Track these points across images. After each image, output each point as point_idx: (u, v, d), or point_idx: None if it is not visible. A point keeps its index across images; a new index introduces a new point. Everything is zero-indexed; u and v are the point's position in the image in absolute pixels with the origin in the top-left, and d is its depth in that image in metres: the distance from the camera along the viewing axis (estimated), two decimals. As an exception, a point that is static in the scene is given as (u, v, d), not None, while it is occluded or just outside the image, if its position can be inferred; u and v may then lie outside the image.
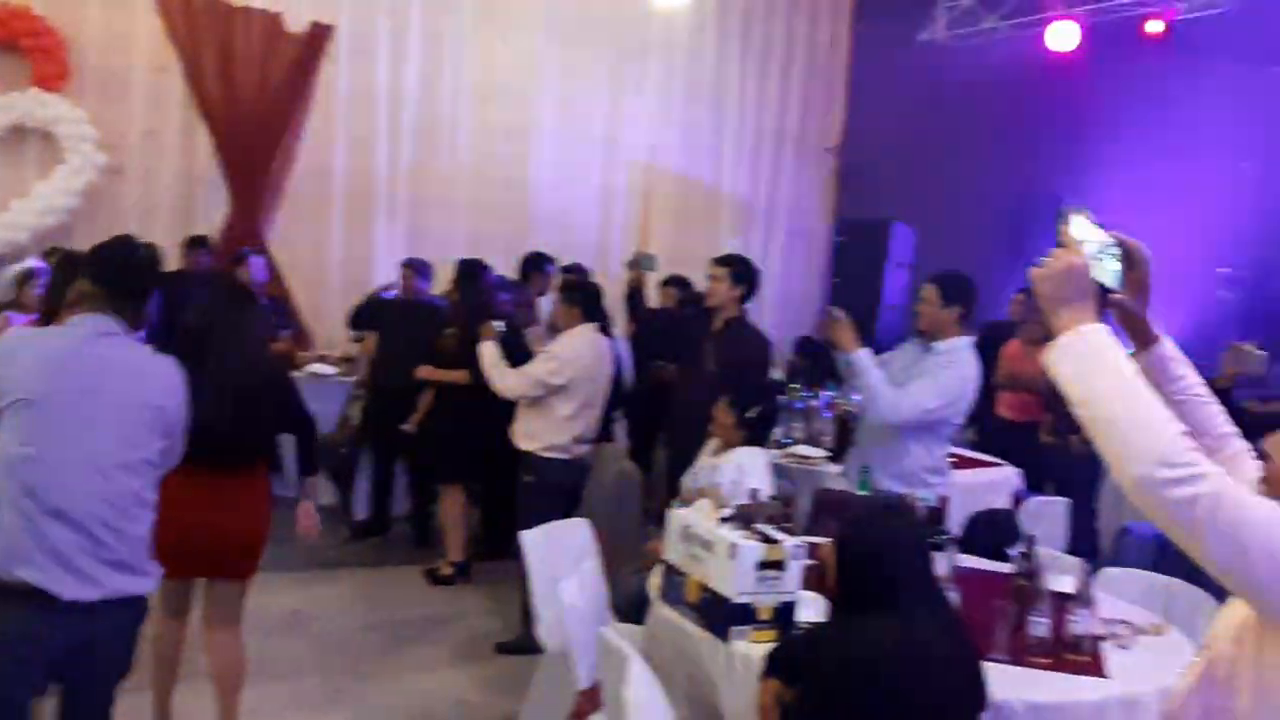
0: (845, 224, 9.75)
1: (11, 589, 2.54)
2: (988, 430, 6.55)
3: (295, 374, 6.79)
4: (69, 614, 2.57)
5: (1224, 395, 4.76)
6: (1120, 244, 1.74)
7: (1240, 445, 1.78)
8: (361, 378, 6.72)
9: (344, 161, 8.22)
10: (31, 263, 5.44)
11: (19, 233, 7.26)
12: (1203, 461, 1.40)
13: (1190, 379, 1.79)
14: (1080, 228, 1.68)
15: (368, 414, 6.44)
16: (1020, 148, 10.00)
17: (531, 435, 4.89)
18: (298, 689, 4.37)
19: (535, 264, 6.75)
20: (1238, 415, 4.54)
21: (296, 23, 7.91)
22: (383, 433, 6.31)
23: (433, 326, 5.97)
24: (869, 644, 2.45)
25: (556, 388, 4.80)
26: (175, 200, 7.77)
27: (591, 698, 3.24)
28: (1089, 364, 1.53)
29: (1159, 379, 1.75)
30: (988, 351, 6.39)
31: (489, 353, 5.02)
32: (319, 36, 7.95)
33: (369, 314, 6.62)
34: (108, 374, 2.69)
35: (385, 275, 7.67)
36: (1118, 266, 1.72)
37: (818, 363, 6.48)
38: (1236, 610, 1.54)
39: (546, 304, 6.60)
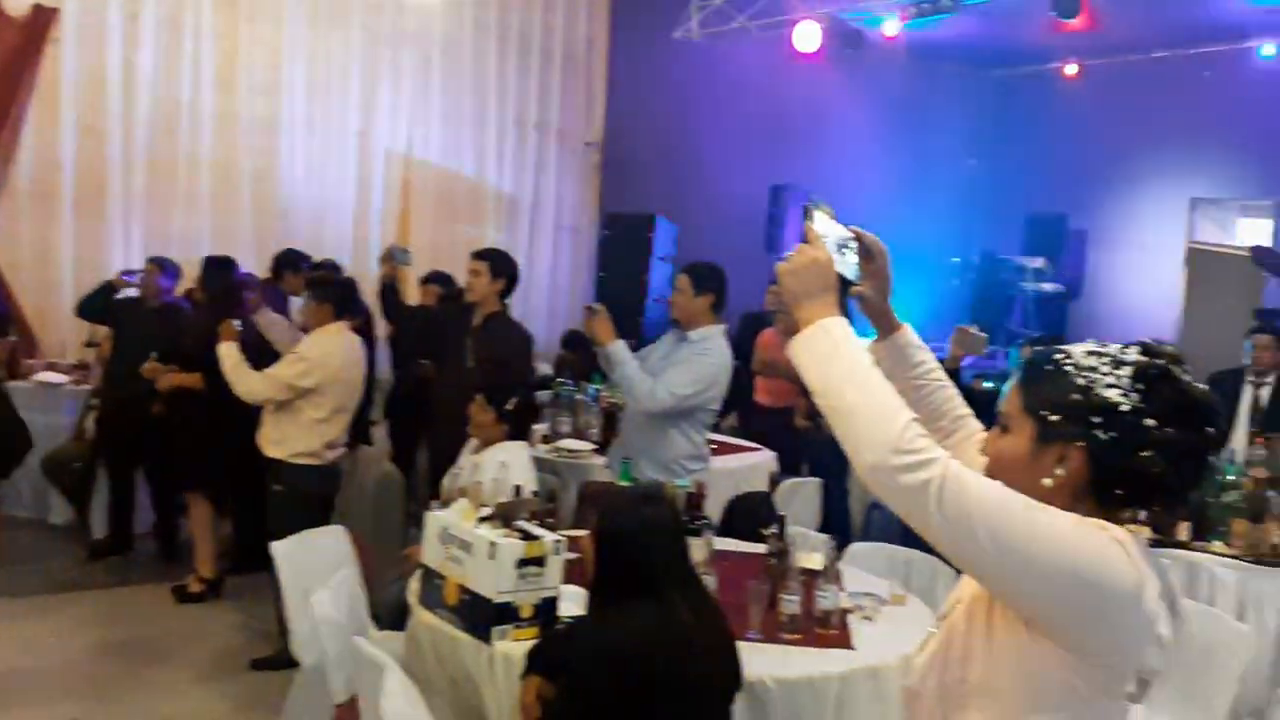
0: (609, 219, 9.85)
1: None
2: (746, 416, 6.76)
3: (18, 383, 6.24)
4: None
5: (952, 376, 5.11)
6: (858, 238, 1.80)
7: (975, 426, 1.86)
8: (95, 386, 6.23)
9: (72, 152, 7.60)
10: None
11: None
12: (932, 448, 1.46)
13: (929, 364, 1.88)
14: (822, 223, 1.73)
15: (102, 424, 5.97)
16: (771, 143, 10.39)
17: (280, 441, 4.64)
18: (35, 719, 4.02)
19: (289, 262, 6.47)
20: (965, 394, 4.87)
21: (17, 6, 7.27)
22: (119, 444, 5.88)
23: (173, 330, 5.59)
24: (626, 632, 2.46)
25: (305, 390, 4.58)
26: None
27: (350, 710, 3.12)
28: (828, 356, 1.57)
29: (900, 365, 1.82)
30: (746, 341, 6.64)
31: (230, 354, 4.73)
32: (42, 20, 7.32)
33: (102, 308, 6.08)
34: None
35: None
36: (856, 260, 1.79)
37: (584, 357, 6.51)
38: (969, 584, 1.61)
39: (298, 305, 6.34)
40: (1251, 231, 10.31)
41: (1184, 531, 4.33)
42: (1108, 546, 1.43)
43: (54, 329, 7.49)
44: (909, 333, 1.88)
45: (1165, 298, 9.88)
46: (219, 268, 5.68)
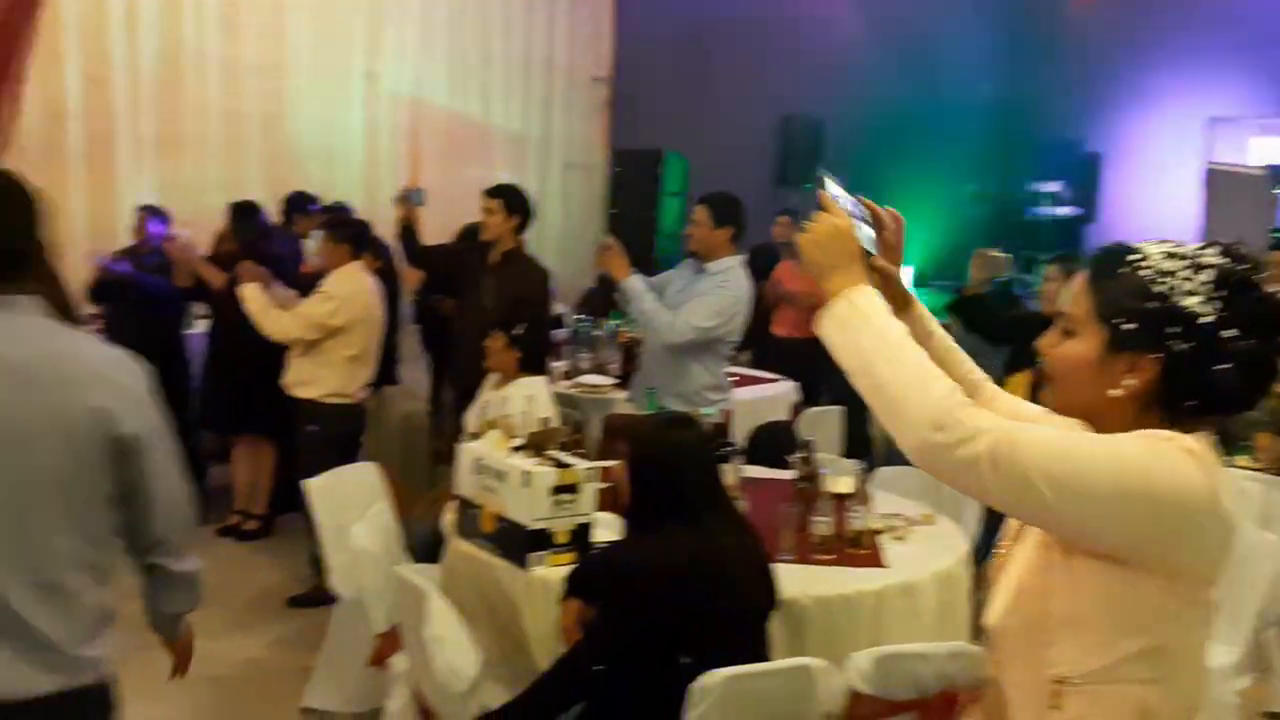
0: (618, 155, 9.79)
1: None
2: (762, 349, 6.77)
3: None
4: None
5: (979, 301, 5.12)
6: (868, 208, 1.74)
7: (992, 388, 1.80)
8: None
9: (79, 103, 7.55)
10: None
11: None
12: (975, 415, 1.39)
13: (939, 333, 1.82)
14: (835, 192, 1.66)
15: None
16: (782, 73, 10.27)
17: (310, 382, 4.68)
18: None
19: (298, 204, 6.46)
20: (999, 320, 4.83)
21: (12, -51, 7.17)
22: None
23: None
24: (663, 554, 2.50)
25: (334, 329, 4.61)
26: None
27: (391, 640, 3.18)
28: (857, 329, 1.50)
29: (916, 338, 1.78)
30: (758, 273, 6.63)
31: (254, 296, 4.75)
32: (39, -35, 7.23)
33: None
34: None
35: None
36: (871, 232, 1.72)
37: (602, 292, 6.52)
38: None
39: (311, 246, 6.35)
40: (1267, 149, 10.20)
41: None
42: (1179, 459, 1.36)
43: (71, 280, 7.50)
44: (919, 305, 1.82)
45: (1182, 219, 9.80)
46: (246, 213, 5.68)
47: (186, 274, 5.46)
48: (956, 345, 1.84)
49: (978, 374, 1.82)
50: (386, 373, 5.78)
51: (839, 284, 1.54)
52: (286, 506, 5.65)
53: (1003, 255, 4.82)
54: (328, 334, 4.61)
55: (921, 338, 1.71)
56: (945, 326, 1.86)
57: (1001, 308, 5.12)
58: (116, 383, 1.89)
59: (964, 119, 11.27)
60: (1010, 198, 11.47)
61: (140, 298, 5.66)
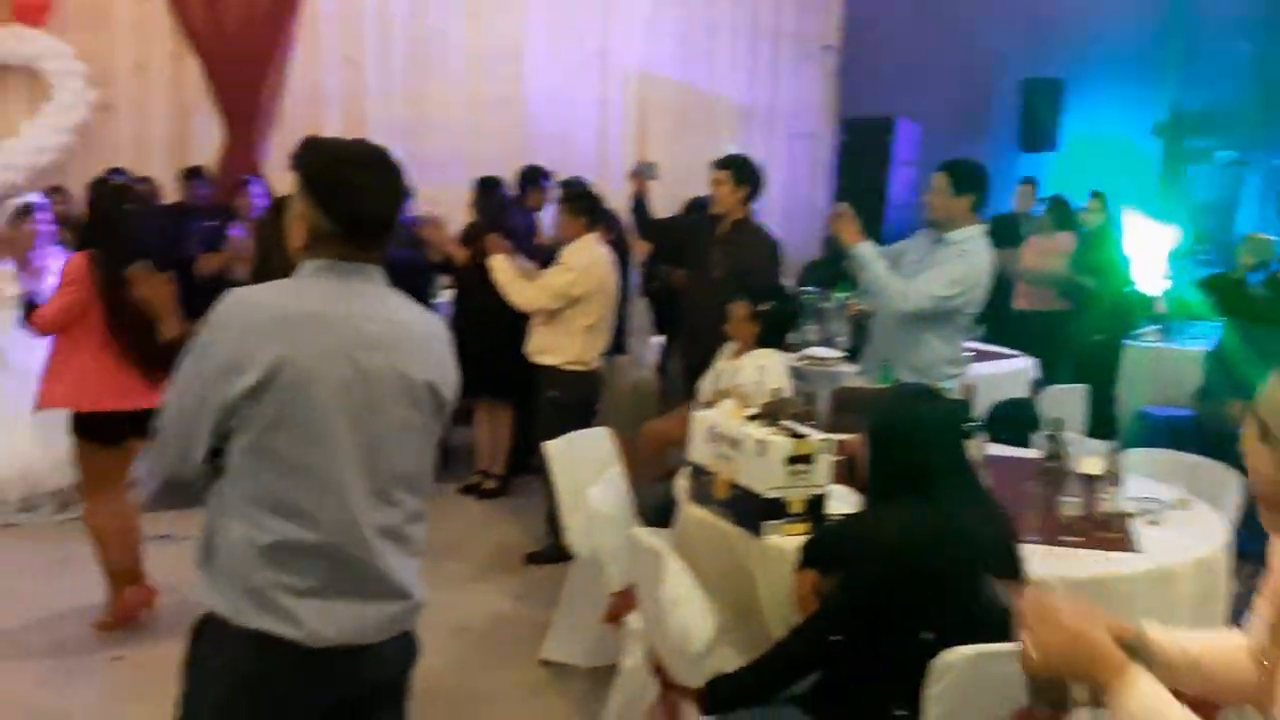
0: (847, 124, 9.60)
1: None
2: (1002, 323, 6.53)
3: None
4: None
5: (1238, 284, 4.81)
6: None
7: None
8: None
9: (336, 84, 8.09)
10: (31, 198, 5.38)
11: (13, 173, 7.17)
12: None
13: (1175, 651, 1.64)
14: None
15: None
16: (1024, 34, 9.79)
17: (552, 350, 4.87)
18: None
19: (532, 179, 6.68)
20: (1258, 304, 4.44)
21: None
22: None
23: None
24: (905, 527, 2.46)
25: (574, 299, 4.78)
26: (168, 133, 7.67)
27: (626, 599, 3.27)
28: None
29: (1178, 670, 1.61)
30: (996, 243, 6.38)
31: (503, 267, 4.99)
32: (303, -43, 7.76)
33: None
34: None
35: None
36: None
37: (831, 263, 6.44)
38: None
39: (545, 220, 6.57)
40: None
41: None
42: None
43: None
44: (1159, 649, 1.60)
45: None
46: (489, 188, 5.94)
47: (437, 250, 5.77)
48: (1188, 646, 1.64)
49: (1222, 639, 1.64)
50: (617, 342, 5.92)
51: (1104, 677, 1.39)
52: (522, 468, 5.92)
53: (1272, 239, 4.48)
54: (568, 303, 4.78)
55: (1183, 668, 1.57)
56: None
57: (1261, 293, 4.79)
58: (440, 353, 2.06)
59: (1217, 80, 10.42)
60: (1274, 167, 10.53)
61: (392, 272, 6.00)
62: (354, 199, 1.94)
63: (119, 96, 7.55)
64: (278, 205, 1.96)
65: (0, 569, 4.75)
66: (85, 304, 3.87)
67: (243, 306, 1.89)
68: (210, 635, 1.92)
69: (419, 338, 2.02)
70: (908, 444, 2.55)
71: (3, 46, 7.18)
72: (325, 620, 1.87)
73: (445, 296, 6.52)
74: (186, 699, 1.96)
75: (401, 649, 2.03)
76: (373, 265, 1.98)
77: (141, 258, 3.85)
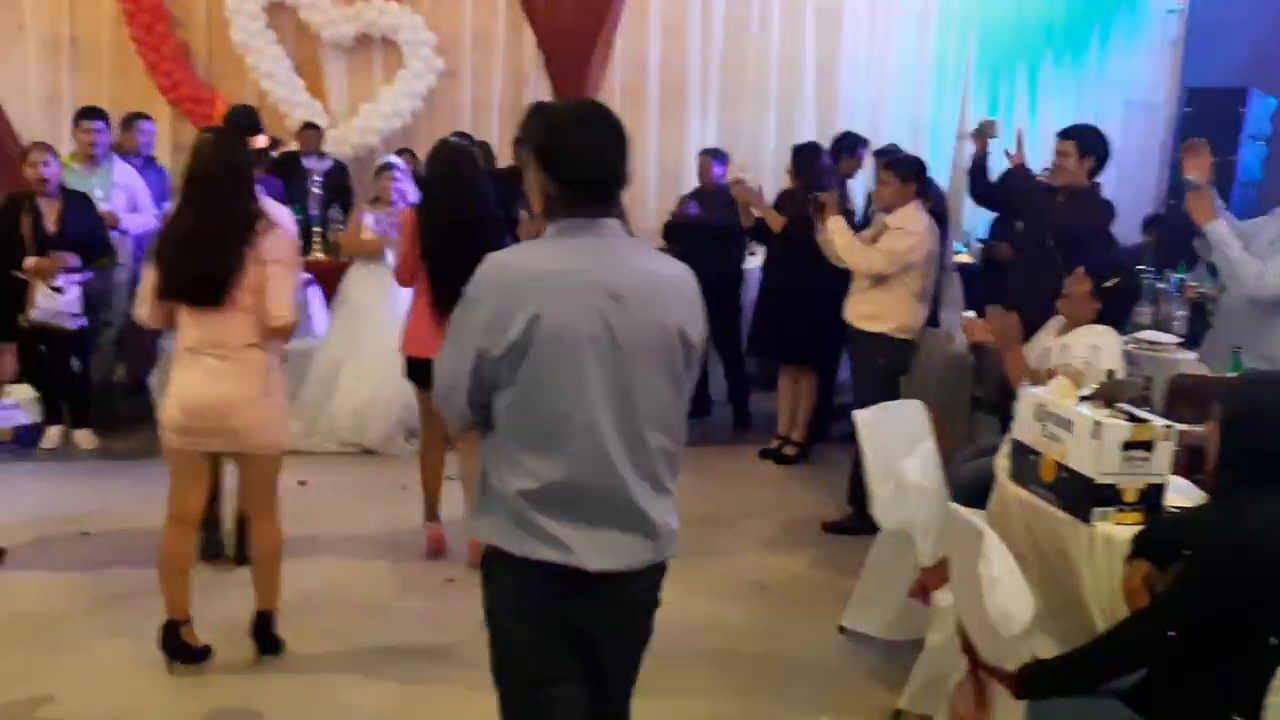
0: (1192, 93, 8.84)
1: None
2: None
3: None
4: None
5: None
6: None
7: None
8: None
9: (658, 53, 8.32)
10: (390, 158, 5.93)
11: (369, 136, 7.89)
12: None
13: None
14: None
15: None
16: None
17: (881, 316, 4.82)
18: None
19: (846, 145, 6.60)
20: None
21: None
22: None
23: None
24: (1262, 525, 2.28)
25: (910, 264, 4.72)
26: (505, 99, 8.17)
27: (935, 574, 3.22)
28: None
29: None
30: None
31: (840, 229, 4.97)
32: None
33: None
34: None
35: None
36: None
37: (1165, 241, 6.00)
38: None
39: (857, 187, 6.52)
40: None
41: None
42: None
43: (640, 216, 8.31)
44: None
45: None
46: (808, 154, 5.94)
47: (749, 215, 5.84)
48: None
49: None
50: (929, 314, 5.79)
51: None
52: (822, 436, 5.92)
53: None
54: (902, 269, 4.73)
55: None
56: None
57: None
58: (687, 299, 2.15)
59: None
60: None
61: (706, 236, 6.17)
62: (575, 161, 2.04)
63: (462, 65, 8.12)
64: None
65: (355, 490, 5.32)
66: (414, 256, 4.20)
67: (500, 270, 2.04)
68: (495, 565, 2.14)
69: (665, 285, 2.11)
70: (1268, 436, 2.36)
71: (365, 19, 7.88)
72: (590, 548, 2.04)
73: (753, 261, 6.60)
74: (488, 615, 2.20)
75: (656, 577, 2.20)
76: (611, 219, 2.08)
77: (471, 216, 4.11)
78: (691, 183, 7.12)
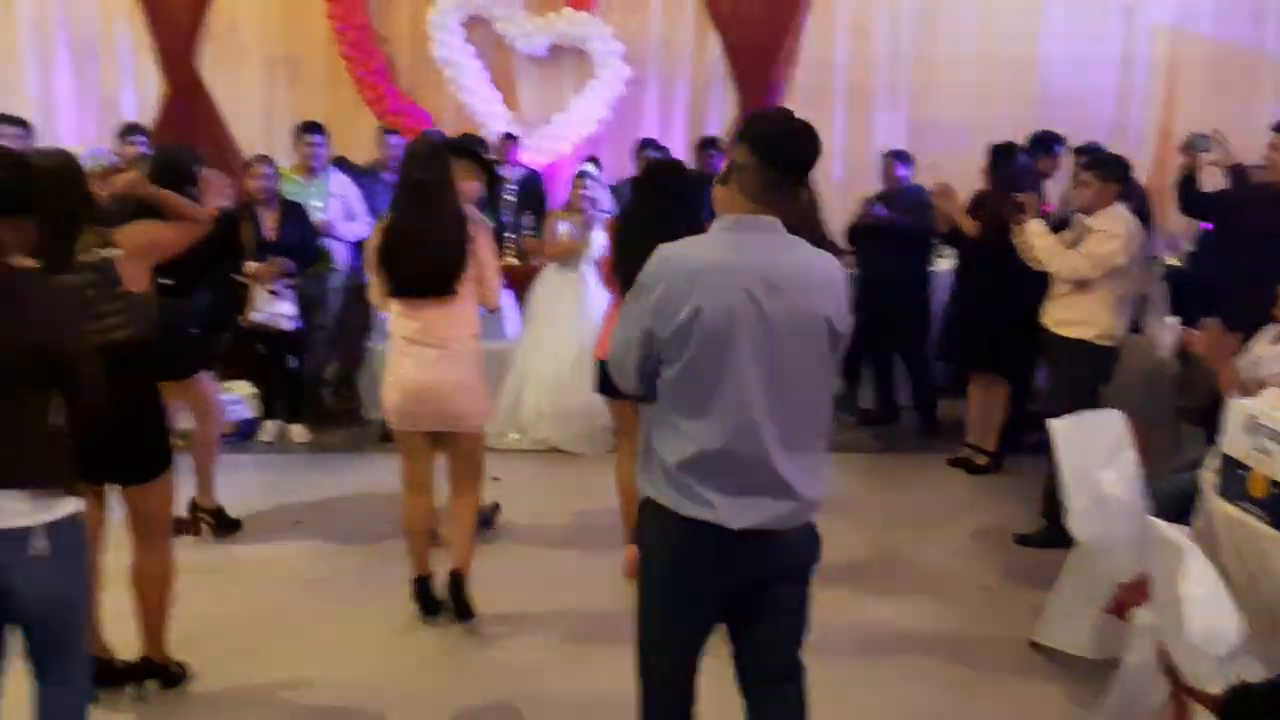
0: None
1: None
2: None
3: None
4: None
5: None
6: None
7: None
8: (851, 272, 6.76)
9: (845, 51, 8.26)
10: (584, 167, 6.13)
11: (560, 144, 8.14)
12: None
13: None
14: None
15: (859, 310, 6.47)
16: None
17: (1082, 322, 4.63)
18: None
19: (1044, 144, 6.38)
20: None
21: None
22: (876, 326, 6.29)
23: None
24: None
25: (1114, 268, 4.54)
26: (690, 104, 8.27)
27: (1135, 591, 3.11)
28: None
29: None
30: None
31: (1041, 232, 4.83)
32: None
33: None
34: None
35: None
36: None
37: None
38: None
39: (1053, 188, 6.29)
40: None
41: None
42: None
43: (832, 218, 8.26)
44: None
45: None
46: (1005, 154, 5.78)
47: (944, 219, 5.72)
48: None
49: None
50: (1132, 320, 5.55)
51: None
52: (1015, 446, 5.74)
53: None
54: (1105, 273, 4.55)
55: None
56: None
57: None
58: (835, 289, 2.36)
59: None
60: None
61: (894, 238, 6.09)
62: (784, 144, 2.32)
63: (648, 72, 8.26)
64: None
65: (546, 488, 5.52)
66: (610, 264, 4.31)
67: (667, 263, 2.31)
68: (652, 518, 2.40)
69: (815, 278, 2.32)
70: None
71: (557, 30, 8.12)
72: (736, 509, 2.28)
73: (943, 265, 6.46)
74: (642, 562, 2.48)
75: (803, 539, 2.41)
76: (772, 218, 2.30)
77: (665, 222, 4.19)
78: (875, 185, 7.05)
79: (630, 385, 2.41)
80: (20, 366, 2.40)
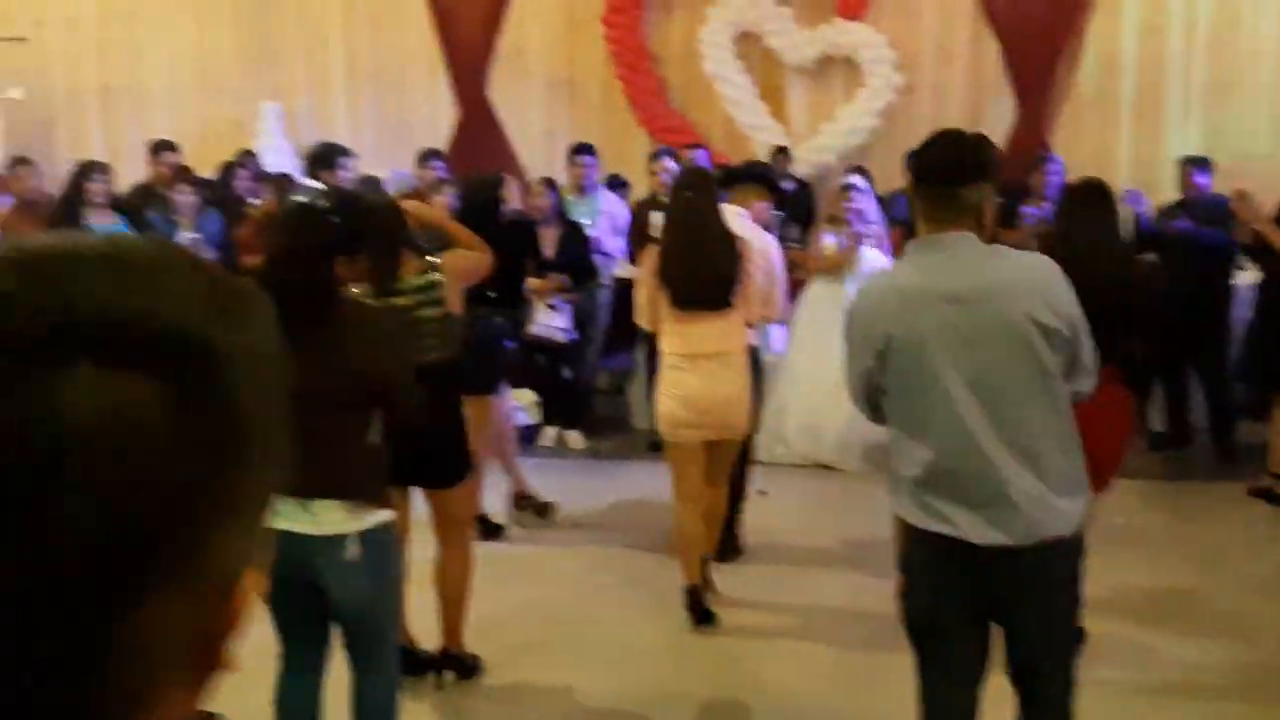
0: None
1: None
2: None
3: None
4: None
5: None
6: None
7: None
8: None
9: (1133, 51, 7.79)
10: (850, 178, 6.10)
11: (826, 154, 8.13)
12: None
13: None
14: None
15: None
16: None
17: None
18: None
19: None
20: None
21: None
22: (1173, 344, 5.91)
23: None
24: None
25: None
26: (964, 112, 8.03)
27: None
28: None
29: None
30: None
31: None
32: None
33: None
34: None
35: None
36: None
37: None
38: None
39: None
40: None
41: None
42: None
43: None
44: None
45: None
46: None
47: (1246, 231, 5.33)
48: None
49: None
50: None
51: None
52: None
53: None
54: None
55: None
56: None
57: None
58: (1036, 287, 2.34)
59: None
60: None
61: (1191, 250, 5.71)
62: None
63: (921, 80, 8.10)
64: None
65: (815, 503, 5.56)
66: None
67: (862, 296, 2.51)
68: (903, 534, 2.50)
69: (1005, 281, 2.33)
70: None
71: (827, 40, 8.11)
72: (974, 524, 2.30)
73: (1245, 279, 5.98)
74: (901, 570, 2.54)
75: (1045, 553, 2.32)
76: (958, 233, 2.34)
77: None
78: (1167, 192, 6.61)
79: (865, 414, 2.56)
80: (341, 390, 2.59)
